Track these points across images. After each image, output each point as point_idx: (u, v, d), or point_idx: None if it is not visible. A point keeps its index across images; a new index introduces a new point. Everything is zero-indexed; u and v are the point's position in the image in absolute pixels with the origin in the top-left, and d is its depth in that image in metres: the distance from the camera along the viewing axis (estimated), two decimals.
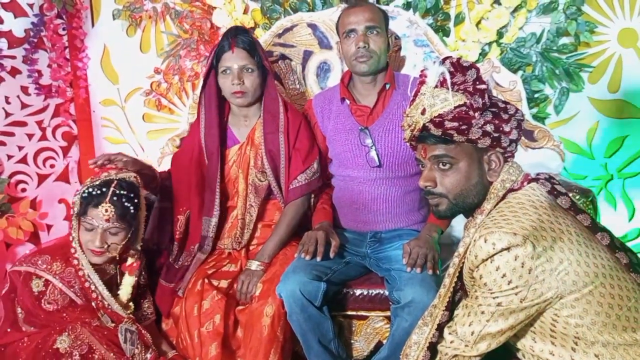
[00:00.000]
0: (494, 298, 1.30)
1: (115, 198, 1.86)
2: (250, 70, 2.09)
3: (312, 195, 2.23)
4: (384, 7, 2.32)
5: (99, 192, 1.86)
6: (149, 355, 1.91)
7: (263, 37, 2.56)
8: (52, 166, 2.86)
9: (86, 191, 1.88)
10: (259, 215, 2.21)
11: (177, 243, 2.18)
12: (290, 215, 2.14)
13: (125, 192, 1.89)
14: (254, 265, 2.05)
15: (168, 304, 2.09)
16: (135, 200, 1.91)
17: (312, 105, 2.27)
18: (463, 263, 1.41)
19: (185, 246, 2.19)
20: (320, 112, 2.23)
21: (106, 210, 1.84)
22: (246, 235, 2.18)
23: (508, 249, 1.27)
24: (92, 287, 1.89)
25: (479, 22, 2.55)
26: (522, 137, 2.38)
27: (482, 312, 1.32)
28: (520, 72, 2.56)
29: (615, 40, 2.55)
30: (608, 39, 2.55)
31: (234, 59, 2.08)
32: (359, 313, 2.04)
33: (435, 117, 1.40)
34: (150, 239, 2.15)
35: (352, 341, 2.07)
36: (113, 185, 1.87)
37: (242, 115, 2.21)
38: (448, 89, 1.39)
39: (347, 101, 2.17)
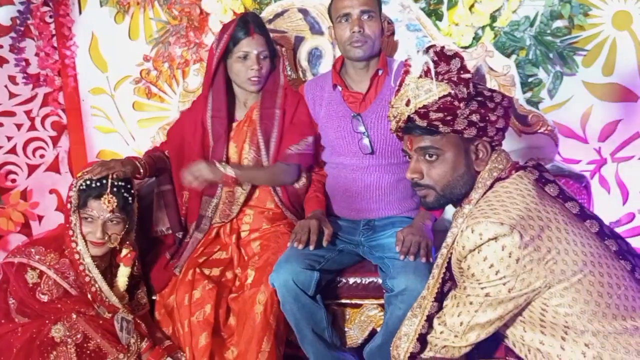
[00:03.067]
0: (482, 288, 1.30)
1: (115, 189, 1.90)
2: (266, 57, 2.12)
3: (304, 177, 2.20)
4: None
5: (98, 184, 1.89)
6: (144, 344, 1.93)
7: None
8: (42, 156, 2.84)
9: (83, 184, 1.90)
10: (250, 198, 2.19)
11: (184, 219, 2.21)
12: (274, 169, 2.14)
13: (123, 184, 1.93)
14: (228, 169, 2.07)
15: (163, 281, 2.10)
16: (132, 191, 1.96)
17: (303, 92, 2.25)
18: (451, 254, 1.40)
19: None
20: (312, 98, 2.21)
21: (109, 202, 1.88)
22: (235, 209, 2.17)
23: (495, 238, 1.27)
24: (92, 282, 1.90)
25: (472, 6, 2.51)
26: (516, 122, 2.36)
27: (471, 303, 1.32)
28: (513, 56, 2.53)
29: (609, 23, 2.51)
30: (602, 22, 2.51)
31: (253, 45, 2.09)
32: (353, 301, 2.04)
33: (419, 108, 1.38)
34: (159, 224, 2.19)
35: (346, 329, 2.07)
36: (110, 177, 1.91)
37: (242, 99, 2.23)
38: (432, 79, 1.37)
39: (339, 87, 2.15)
